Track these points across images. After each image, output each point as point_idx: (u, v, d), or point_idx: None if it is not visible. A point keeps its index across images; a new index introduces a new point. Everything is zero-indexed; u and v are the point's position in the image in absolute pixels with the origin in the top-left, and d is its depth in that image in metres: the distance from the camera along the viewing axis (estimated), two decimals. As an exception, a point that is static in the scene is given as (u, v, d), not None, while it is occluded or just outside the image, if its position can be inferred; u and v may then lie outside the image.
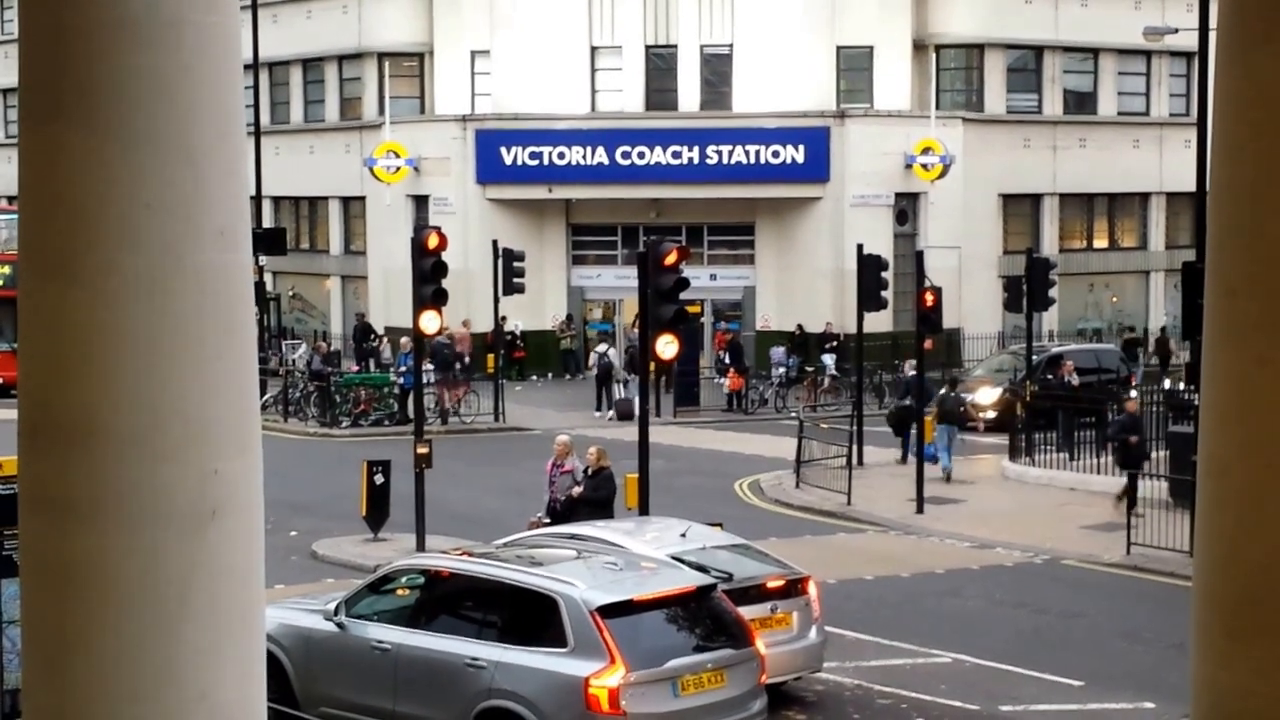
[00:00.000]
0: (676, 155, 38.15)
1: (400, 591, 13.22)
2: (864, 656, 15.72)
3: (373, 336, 38.91)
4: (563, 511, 18.19)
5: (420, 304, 20.24)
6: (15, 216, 31.26)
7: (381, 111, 40.84)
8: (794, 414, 30.19)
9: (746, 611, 13.17)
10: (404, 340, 32.68)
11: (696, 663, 11.82)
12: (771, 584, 13.97)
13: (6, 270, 34.94)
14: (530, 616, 11.88)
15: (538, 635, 11.76)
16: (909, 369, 28.16)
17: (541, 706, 11.46)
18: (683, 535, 14.62)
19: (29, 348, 4.71)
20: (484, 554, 13.23)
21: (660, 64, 39.82)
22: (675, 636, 12.10)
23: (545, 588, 11.89)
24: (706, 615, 12.39)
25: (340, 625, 12.91)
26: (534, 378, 38.58)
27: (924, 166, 38.02)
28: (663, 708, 11.52)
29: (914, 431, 24.91)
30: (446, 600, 12.76)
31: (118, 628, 4.55)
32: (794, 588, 14.09)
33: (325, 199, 44.43)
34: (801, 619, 14.09)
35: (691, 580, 12.66)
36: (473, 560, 12.87)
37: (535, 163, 38.80)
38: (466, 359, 36.25)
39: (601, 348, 35.49)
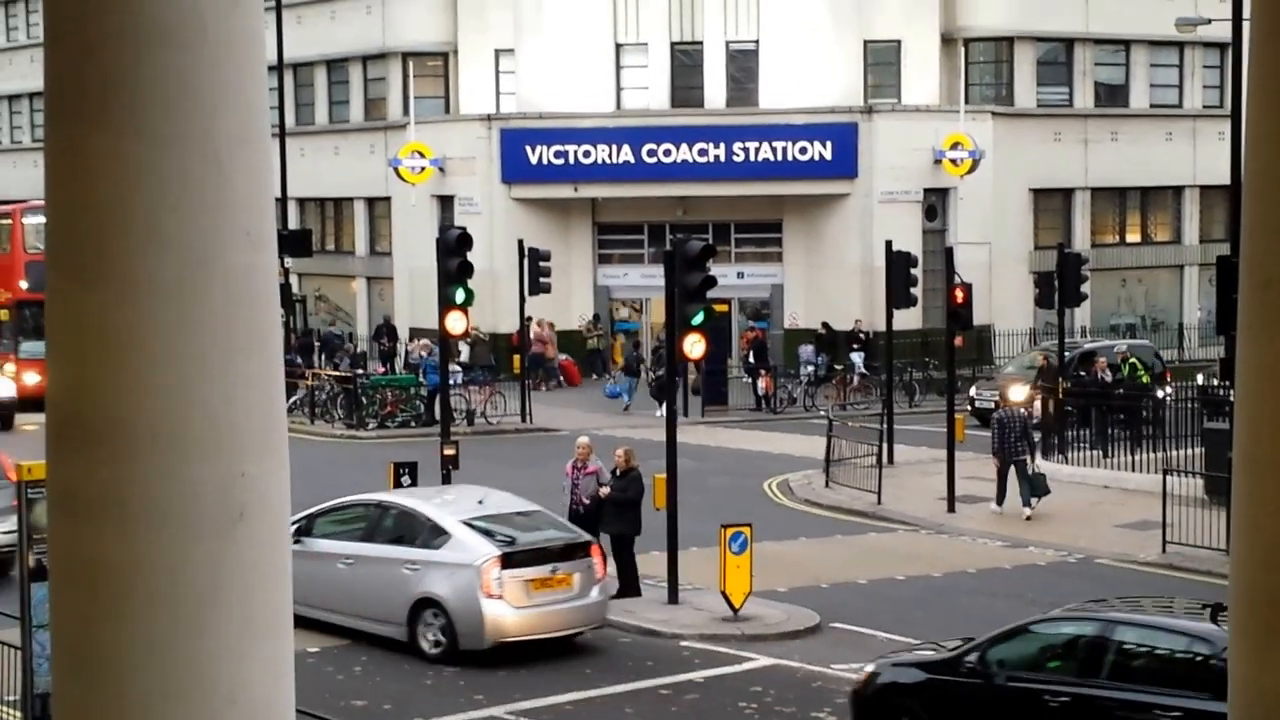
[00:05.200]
0: (703, 153, 38.07)
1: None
2: (897, 656, 15.61)
3: (384, 341, 38.96)
4: (591, 512, 18.11)
5: (446, 305, 20.25)
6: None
7: (406, 112, 40.89)
8: (823, 413, 30.10)
9: (527, 572, 15.47)
10: (424, 342, 32.79)
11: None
12: (553, 547, 15.76)
13: None
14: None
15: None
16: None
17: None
18: (480, 502, 16.46)
19: (56, 350, 4.70)
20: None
21: (686, 61, 39.75)
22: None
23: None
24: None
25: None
26: (537, 377, 38.51)
27: (953, 161, 37.85)
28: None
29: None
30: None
31: (146, 631, 4.54)
32: (576, 551, 15.77)
33: (350, 200, 44.52)
34: (583, 580, 15.74)
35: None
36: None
37: (560, 162, 38.78)
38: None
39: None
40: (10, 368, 32.98)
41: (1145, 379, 28.81)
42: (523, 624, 15.32)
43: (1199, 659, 11.51)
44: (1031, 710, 11.72)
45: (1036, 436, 23.63)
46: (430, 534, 15.68)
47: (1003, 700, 11.88)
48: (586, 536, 16.26)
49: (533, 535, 16.04)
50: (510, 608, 15.23)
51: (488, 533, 15.67)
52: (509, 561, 15.31)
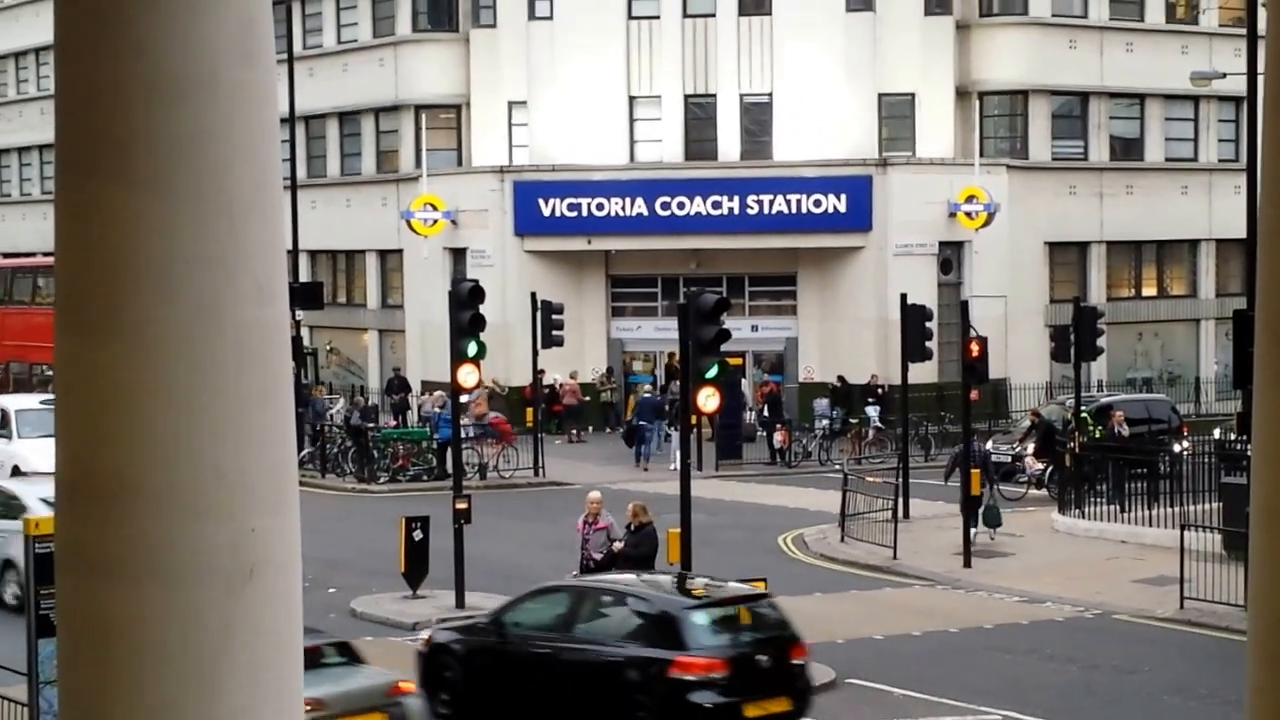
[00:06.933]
0: (716, 205, 38.11)
1: None
2: (911, 714, 15.47)
3: (396, 395, 39.00)
4: (601, 568, 18.01)
5: (458, 358, 20.23)
6: None
7: (418, 164, 41.01)
8: (838, 467, 29.97)
9: None
10: (438, 394, 32.70)
11: None
12: None
13: None
14: None
15: None
16: (644, 391, 36.07)
17: None
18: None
19: (66, 404, 4.68)
20: None
21: (699, 113, 39.86)
22: None
23: None
24: None
25: None
26: (574, 431, 38.48)
27: (968, 215, 37.83)
28: None
29: (642, 443, 33.12)
30: None
31: (155, 687, 4.49)
32: None
33: (362, 252, 44.57)
34: None
35: None
36: None
37: (574, 214, 38.83)
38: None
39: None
40: None
41: (1098, 433, 28.92)
42: None
43: (636, 615, 14.64)
44: (524, 659, 14.83)
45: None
46: (14, 508, 18.82)
47: (507, 652, 14.98)
48: None
49: None
50: None
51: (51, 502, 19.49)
52: None
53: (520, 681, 14.74)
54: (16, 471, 26.88)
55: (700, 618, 14.36)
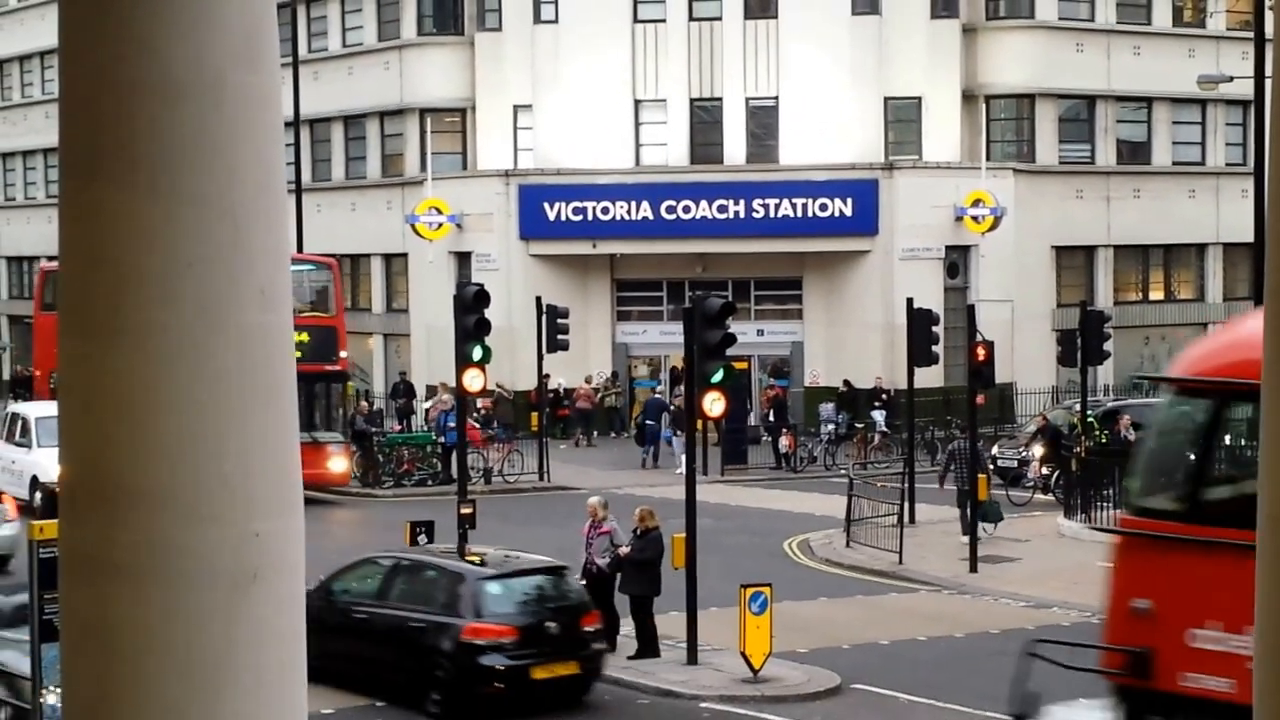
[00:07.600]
0: (722, 209, 38.12)
1: None
2: None
3: (401, 399, 38.97)
4: (604, 572, 17.98)
5: (463, 362, 20.24)
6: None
7: (423, 167, 41.05)
8: (844, 471, 29.95)
9: None
10: (446, 398, 32.66)
11: None
12: None
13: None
14: None
15: None
16: (654, 394, 37.22)
17: None
18: None
19: (69, 407, 4.66)
20: None
21: (705, 117, 39.87)
22: None
23: None
24: None
25: None
26: (580, 435, 38.49)
27: (975, 219, 37.83)
28: None
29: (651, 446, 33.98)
30: None
31: (158, 693, 4.47)
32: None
33: (367, 256, 44.62)
34: None
35: None
36: None
37: (579, 218, 38.85)
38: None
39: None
40: None
41: (1104, 438, 28.96)
42: None
43: (439, 584, 16.27)
44: (346, 622, 16.45)
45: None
46: None
47: (334, 616, 16.38)
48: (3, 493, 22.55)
49: None
50: None
51: None
52: None
53: (343, 644, 16.17)
54: (34, 482, 26.48)
55: (494, 588, 15.99)
